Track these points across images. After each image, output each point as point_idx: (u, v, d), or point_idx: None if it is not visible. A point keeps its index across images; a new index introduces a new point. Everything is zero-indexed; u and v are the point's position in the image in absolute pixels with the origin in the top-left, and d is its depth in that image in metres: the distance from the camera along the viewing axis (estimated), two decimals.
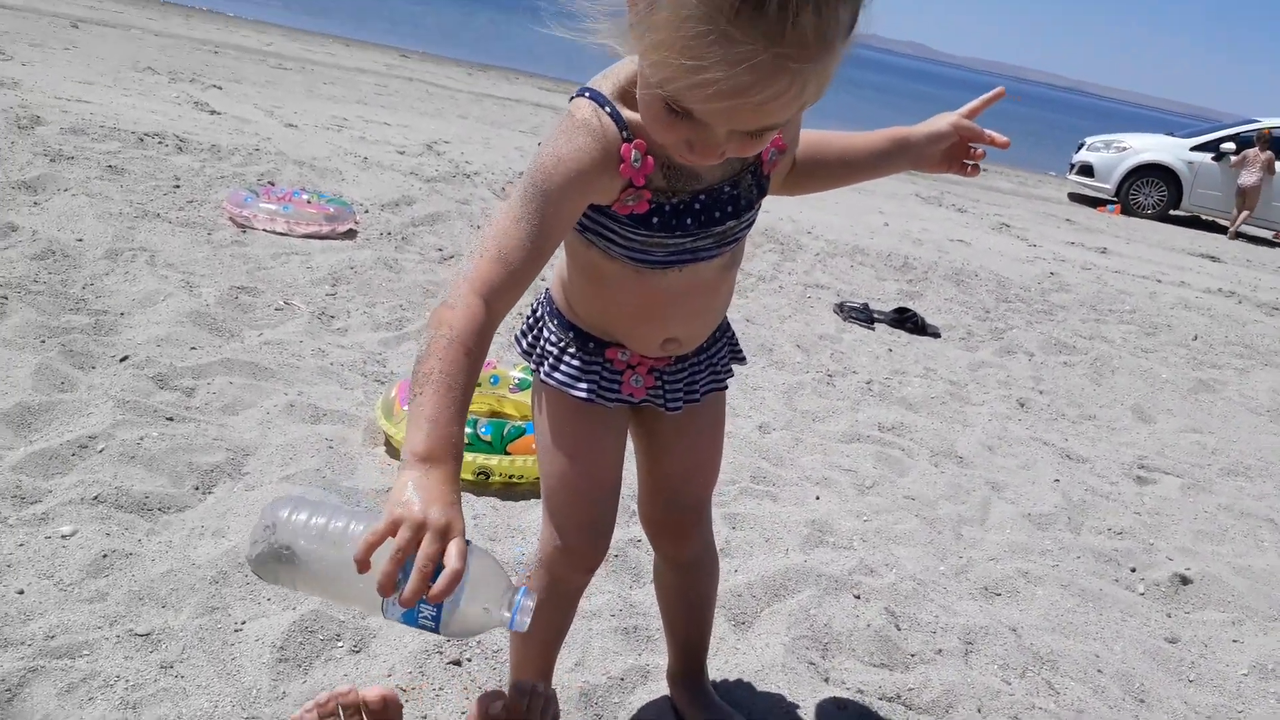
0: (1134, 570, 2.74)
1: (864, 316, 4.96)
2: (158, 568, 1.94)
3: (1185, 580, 2.69)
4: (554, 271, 1.42)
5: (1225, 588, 2.67)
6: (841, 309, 5.03)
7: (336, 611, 1.88)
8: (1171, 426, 4.17)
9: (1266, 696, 2.20)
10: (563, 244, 1.35)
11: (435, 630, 0.97)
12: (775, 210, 7.51)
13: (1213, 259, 10.14)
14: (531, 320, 1.48)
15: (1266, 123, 12.88)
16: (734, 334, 1.56)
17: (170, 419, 2.54)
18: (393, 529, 0.92)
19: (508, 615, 0.98)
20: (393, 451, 2.65)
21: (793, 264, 5.89)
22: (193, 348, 3.02)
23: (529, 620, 0.98)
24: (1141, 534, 2.98)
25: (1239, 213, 12.46)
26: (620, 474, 1.48)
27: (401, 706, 1.33)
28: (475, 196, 5.90)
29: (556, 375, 1.40)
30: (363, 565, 0.92)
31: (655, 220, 1.21)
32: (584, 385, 1.38)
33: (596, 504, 1.47)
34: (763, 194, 1.31)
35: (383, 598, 0.94)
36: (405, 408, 2.61)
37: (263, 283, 3.75)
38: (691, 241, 1.25)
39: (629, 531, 2.46)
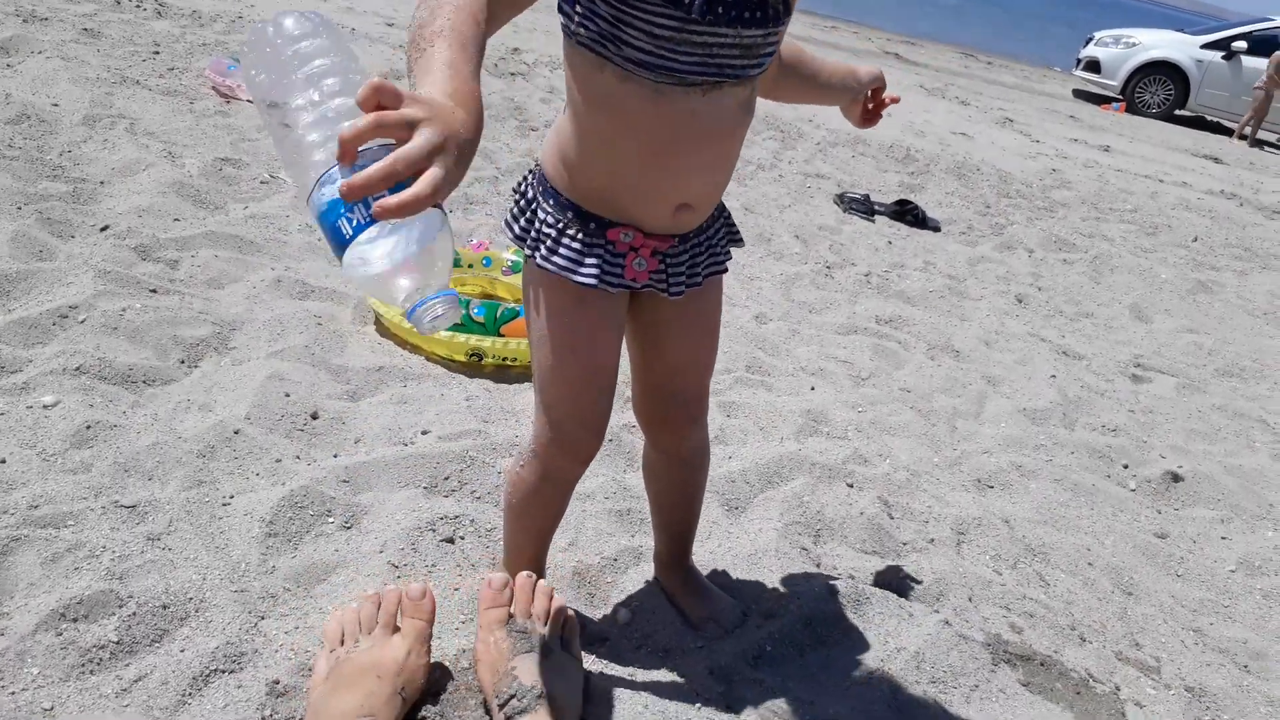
0: (1126, 467, 2.74)
1: (864, 208, 4.86)
2: (143, 440, 1.90)
3: (1177, 478, 2.69)
4: (547, 144, 1.32)
5: (1216, 486, 2.68)
6: (842, 200, 4.92)
7: (326, 487, 1.85)
8: (1169, 326, 4.15)
9: (1252, 592, 2.22)
10: (566, 105, 1.26)
11: (341, 244, 0.79)
12: None
13: (1216, 160, 9.98)
14: (523, 203, 1.35)
15: None
16: (730, 214, 1.48)
17: (154, 291, 2.46)
18: (369, 95, 0.77)
19: (416, 297, 0.81)
20: (383, 330, 2.59)
21: (793, 152, 5.74)
22: (176, 219, 2.92)
23: (428, 325, 0.83)
24: (1135, 431, 2.98)
25: (1250, 116, 12.15)
26: (617, 364, 1.42)
27: (436, 607, 1.44)
28: None
29: (555, 260, 1.29)
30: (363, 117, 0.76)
31: None
32: (587, 269, 1.29)
33: (595, 396, 1.41)
34: (788, 12, 1.21)
35: (327, 171, 0.79)
36: None
37: (247, 155, 3.62)
38: (719, 45, 1.15)
39: (623, 417, 2.43)
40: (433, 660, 1.43)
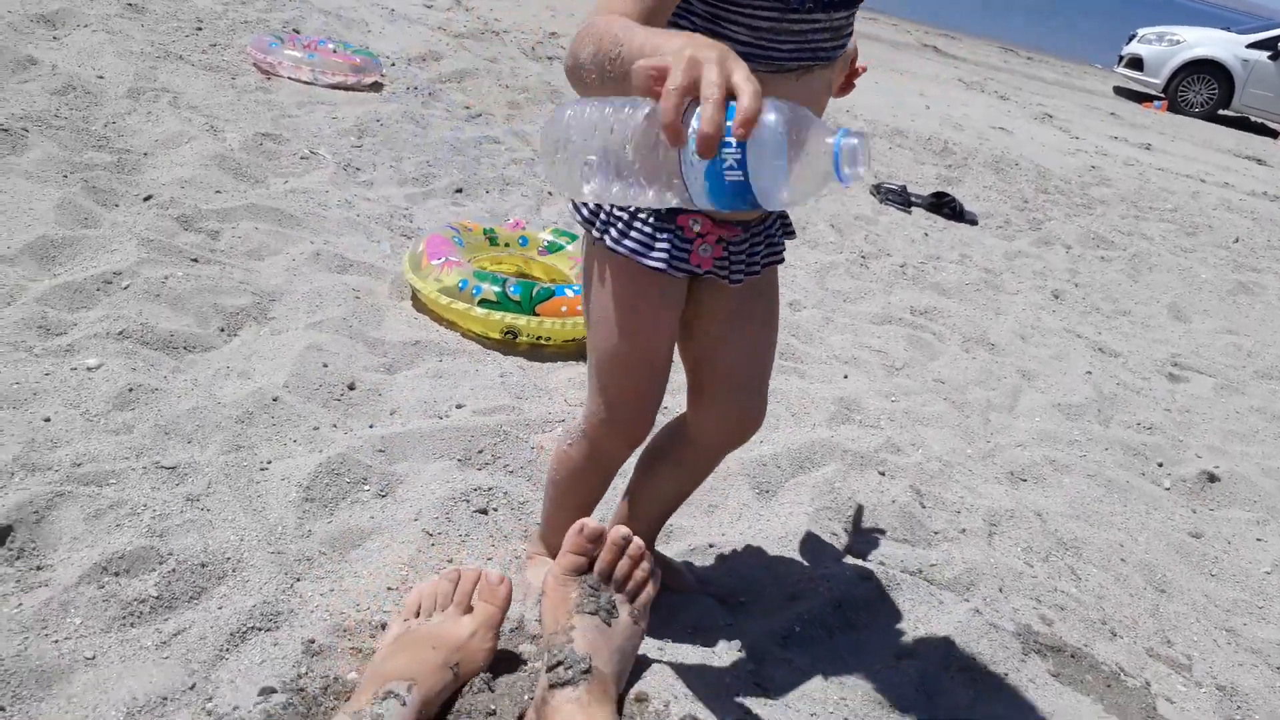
0: (1161, 465, 2.71)
1: (901, 199, 4.82)
2: (183, 404, 1.93)
3: (1213, 478, 2.66)
4: None
5: (1252, 487, 2.64)
6: (878, 190, 4.89)
7: (363, 456, 1.87)
8: (1207, 327, 4.09)
9: None
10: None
11: (745, 186, 0.81)
12: None
13: (1259, 162, 9.81)
14: None
15: None
16: None
17: (195, 260, 2.49)
18: (662, 76, 0.81)
19: (832, 151, 0.80)
20: (419, 305, 2.61)
21: None
22: (217, 191, 2.95)
23: (860, 167, 0.81)
24: (1171, 430, 2.94)
25: None
26: (673, 350, 1.42)
27: (510, 597, 1.45)
28: (504, 55, 5.71)
29: (626, 243, 1.29)
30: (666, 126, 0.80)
31: None
32: (657, 253, 1.28)
33: (652, 380, 1.41)
34: None
35: (680, 157, 0.82)
36: (434, 262, 2.56)
37: (288, 130, 3.65)
38: (813, 29, 1.17)
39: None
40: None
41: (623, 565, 1.37)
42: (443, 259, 2.57)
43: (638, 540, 1.37)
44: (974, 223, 4.85)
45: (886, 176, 5.23)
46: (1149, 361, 3.52)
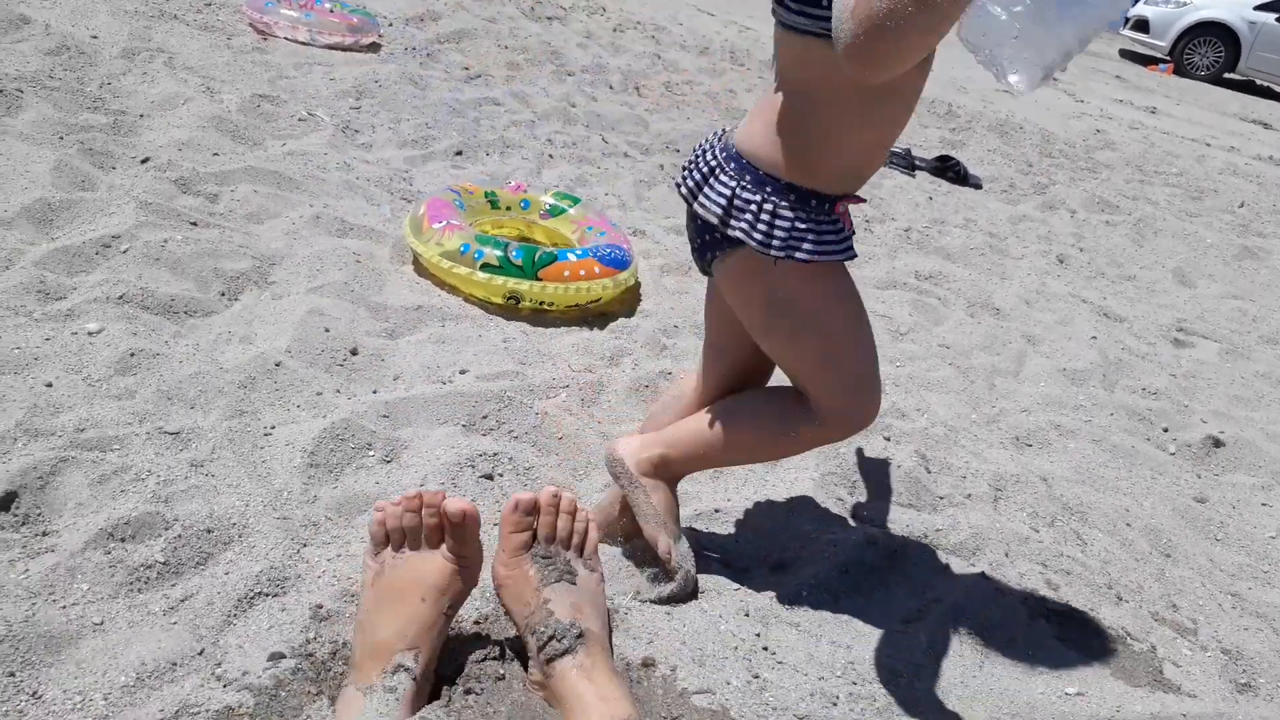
0: (1166, 430, 2.70)
1: (905, 163, 4.78)
2: (185, 369, 1.91)
3: (1218, 443, 2.65)
4: (768, 151, 1.30)
5: (1258, 452, 2.64)
6: None
7: (367, 421, 1.86)
8: (1213, 292, 4.07)
9: None
10: (796, 107, 1.27)
11: None
12: None
13: (1265, 126, 9.72)
14: (761, 212, 1.30)
15: None
16: None
17: (194, 224, 2.47)
18: None
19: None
20: (421, 270, 2.58)
21: None
22: (215, 154, 2.92)
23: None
24: (1176, 395, 2.93)
25: None
26: None
27: (479, 525, 1.34)
28: (502, 15, 5.63)
29: (824, 248, 1.31)
30: None
31: None
32: (845, 243, 1.35)
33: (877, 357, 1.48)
34: None
35: None
36: (435, 225, 2.54)
37: (285, 92, 3.60)
38: None
39: (659, 363, 2.42)
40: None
41: (563, 523, 1.38)
42: (444, 222, 2.54)
43: (566, 494, 1.39)
44: (978, 186, 4.81)
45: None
46: (1154, 327, 3.50)
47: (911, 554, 1.84)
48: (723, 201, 1.33)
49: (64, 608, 1.30)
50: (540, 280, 2.47)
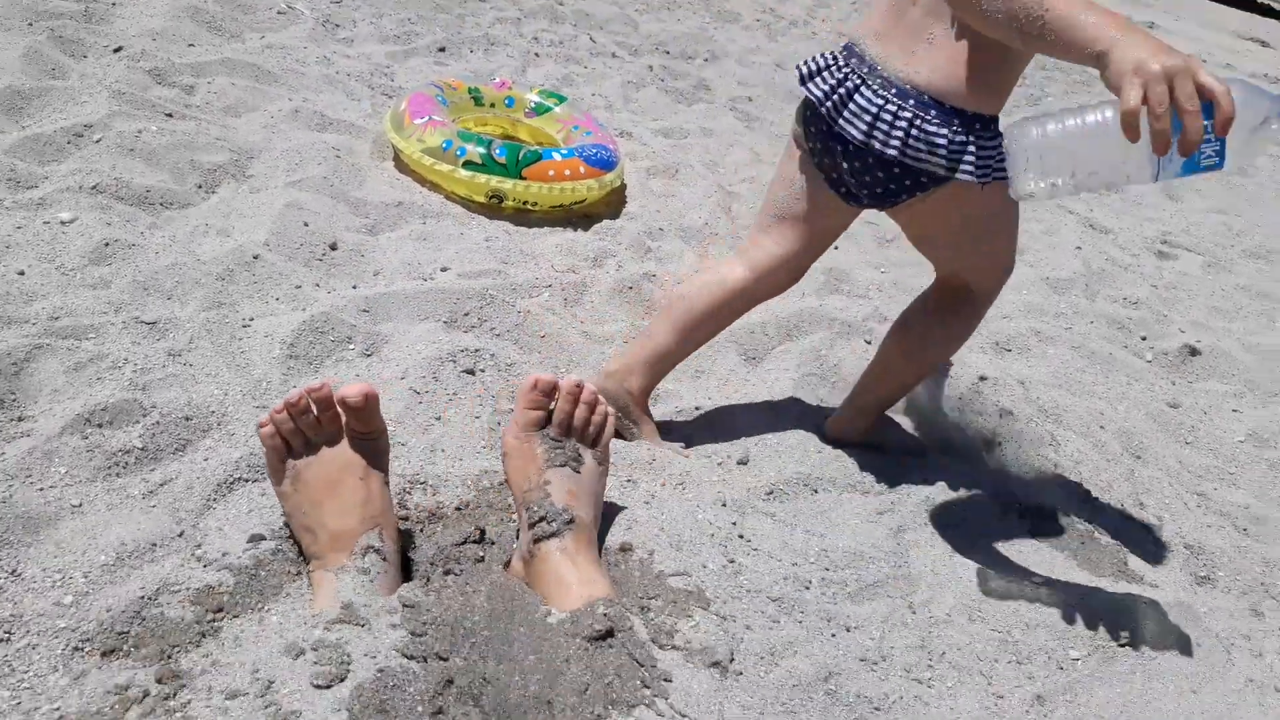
0: (1144, 339, 2.72)
1: None
2: (161, 260, 1.89)
3: (1194, 351, 2.68)
4: (972, 89, 1.39)
5: (1232, 361, 2.66)
6: None
7: (347, 315, 1.85)
8: (1199, 206, 4.06)
9: (1259, 462, 2.23)
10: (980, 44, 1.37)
11: (1219, 165, 1.06)
12: None
13: (1263, 44, 9.60)
14: (975, 156, 1.42)
15: None
16: None
17: (169, 115, 2.41)
18: (1141, 93, 1.00)
19: (1272, 115, 1.06)
20: (402, 166, 2.54)
21: (827, 10, 5.53)
22: (190, 44, 2.84)
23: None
24: (1156, 305, 2.95)
25: None
26: None
27: (378, 399, 1.29)
28: None
29: (1004, 163, 1.40)
30: (1133, 135, 1.01)
31: None
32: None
33: None
34: None
35: (1158, 158, 1.04)
36: (417, 121, 2.49)
37: None
38: None
39: (643, 266, 2.41)
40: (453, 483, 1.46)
41: (580, 412, 1.37)
42: (426, 118, 2.49)
43: (589, 385, 1.40)
44: None
45: None
46: (1139, 239, 3.50)
47: (888, 452, 1.86)
48: (944, 152, 1.41)
49: (41, 490, 1.31)
50: (524, 179, 2.44)
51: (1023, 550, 1.66)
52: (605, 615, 1.11)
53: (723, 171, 3.13)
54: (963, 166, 1.41)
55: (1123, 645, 1.46)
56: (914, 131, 1.40)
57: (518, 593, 1.16)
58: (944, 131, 1.39)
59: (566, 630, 1.08)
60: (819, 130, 1.54)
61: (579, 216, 2.58)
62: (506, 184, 2.43)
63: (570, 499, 1.30)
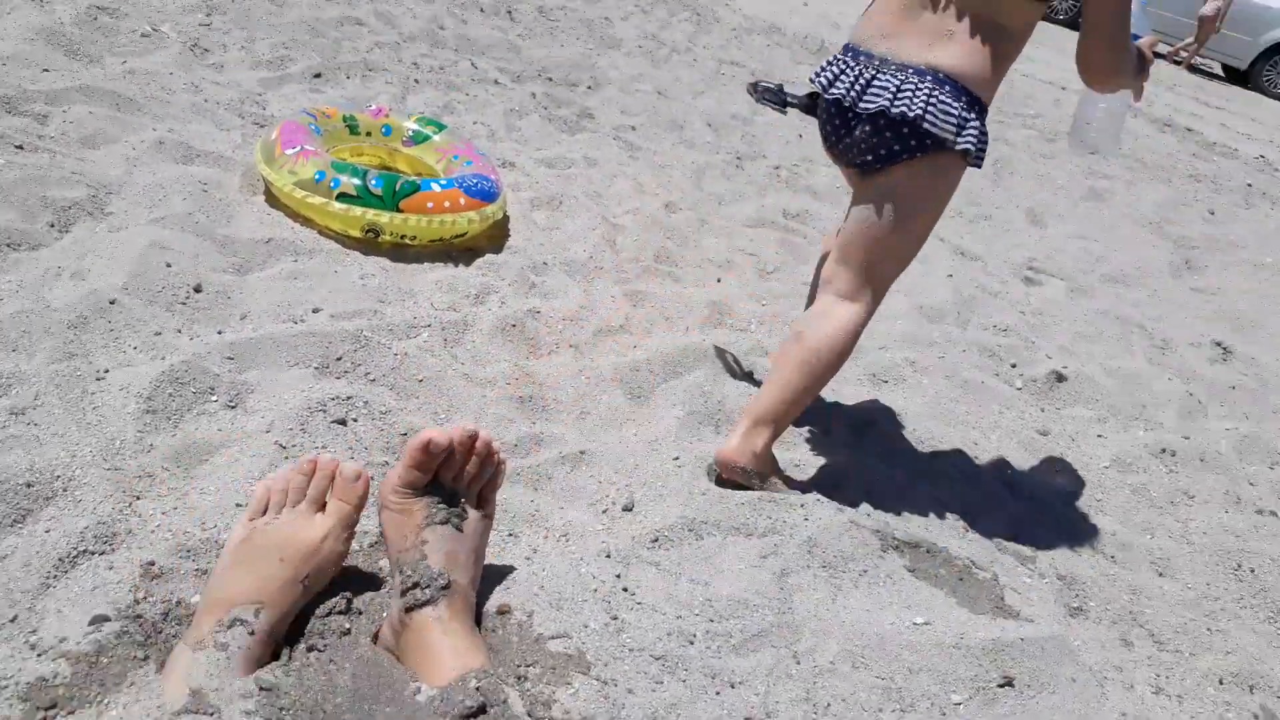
0: (1014, 366, 2.83)
1: (777, 99, 4.78)
2: (6, 309, 1.76)
3: (1061, 378, 2.79)
4: (977, 72, 1.67)
5: (1096, 386, 2.79)
6: (755, 89, 4.83)
7: (211, 363, 1.76)
8: (1062, 231, 4.25)
9: (1122, 488, 2.34)
10: (998, 41, 1.66)
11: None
12: None
13: None
14: (964, 113, 1.67)
15: None
16: None
17: (20, 147, 2.27)
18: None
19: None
20: (273, 200, 2.45)
21: (708, 37, 5.60)
22: (45, 70, 2.68)
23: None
24: (1025, 332, 3.06)
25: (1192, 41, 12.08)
26: None
27: (368, 491, 1.34)
28: None
29: (980, 147, 1.73)
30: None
31: None
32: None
33: None
34: None
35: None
36: (288, 151, 2.40)
37: (126, 4, 3.33)
38: None
39: (527, 302, 2.37)
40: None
41: (471, 465, 1.33)
42: (298, 148, 2.41)
43: (483, 434, 1.34)
44: None
45: (764, 74, 5.17)
46: (1006, 265, 3.64)
47: (772, 488, 1.87)
48: (954, 121, 1.65)
49: None
50: (401, 212, 2.38)
51: (903, 589, 1.69)
52: (478, 689, 1.07)
53: (607, 203, 3.13)
54: (964, 135, 1.66)
55: (1002, 686, 1.49)
56: (932, 99, 1.64)
57: (385, 668, 1.11)
58: (956, 105, 1.65)
59: (436, 709, 1.04)
60: (840, 124, 1.80)
61: (460, 250, 2.53)
62: (383, 217, 2.37)
63: (449, 561, 1.25)
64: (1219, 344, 3.35)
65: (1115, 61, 1.67)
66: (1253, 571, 2.10)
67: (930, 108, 1.64)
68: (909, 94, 1.64)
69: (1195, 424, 2.75)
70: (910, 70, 1.66)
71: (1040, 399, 2.71)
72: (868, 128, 1.71)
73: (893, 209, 1.76)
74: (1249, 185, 6.25)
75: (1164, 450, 2.55)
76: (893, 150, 1.71)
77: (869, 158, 1.75)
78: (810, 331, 1.81)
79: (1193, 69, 12.16)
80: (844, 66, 1.75)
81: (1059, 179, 5.02)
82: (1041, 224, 4.30)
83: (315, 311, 2.07)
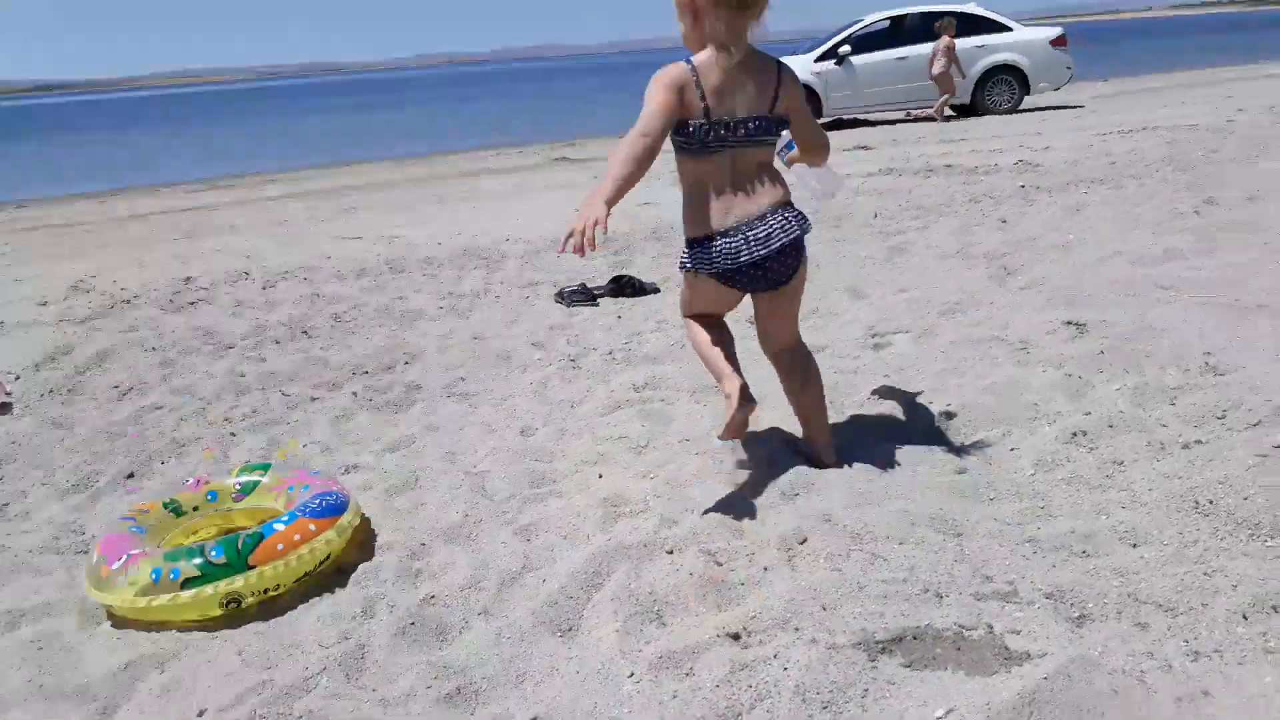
0: (907, 422, 2.81)
1: (585, 296, 4.89)
2: None
3: (950, 414, 2.78)
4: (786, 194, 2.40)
5: (983, 409, 2.79)
6: (562, 296, 4.94)
7: None
8: (884, 293, 4.40)
9: (1057, 485, 2.29)
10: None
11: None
12: (470, 228, 7.33)
13: (865, 148, 10.99)
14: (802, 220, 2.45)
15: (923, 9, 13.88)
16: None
17: None
18: None
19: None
20: (119, 622, 2.23)
21: (501, 272, 5.75)
22: None
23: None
24: (900, 391, 3.07)
25: (941, 97, 13.20)
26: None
27: None
28: (142, 320, 5.28)
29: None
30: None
31: None
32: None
33: None
34: None
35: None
36: (115, 566, 2.21)
37: None
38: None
39: (418, 591, 2.20)
40: None
41: None
42: (124, 557, 2.23)
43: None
44: (656, 291, 5.00)
45: (565, 281, 5.30)
46: (850, 342, 3.70)
47: (730, 655, 1.72)
48: (806, 225, 2.41)
49: None
50: (253, 568, 2.20)
51: (911, 689, 1.55)
52: None
53: (463, 457, 3.03)
54: (806, 226, 2.39)
55: None
56: (795, 219, 2.38)
57: None
58: (799, 216, 2.41)
59: None
60: (758, 273, 2.38)
61: (333, 573, 2.36)
62: (238, 582, 2.18)
63: None
64: (1069, 322, 3.45)
65: (818, 149, 2.54)
66: (1211, 502, 2.06)
67: (801, 223, 2.39)
68: (787, 223, 2.35)
69: (1088, 398, 2.77)
70: (765, 213, 2.34)
71: (943, 441, 2.68)
72: (779, 257, 2.36)
73: (796, 293, 2.51)
74: (1021, 187, 6.74)
75: (1075, 434, 2.55)
76: (796, 261, 2.42)
77: (787, 275, 2.42)
78: (807, 371, 2.61)
79: (946, 118, 13.27)
80: (730, 244, 2.33)
81: (861, 252, 5.26)
82: (864, 295, 4.44)
83: (200, 715, 1.84)
